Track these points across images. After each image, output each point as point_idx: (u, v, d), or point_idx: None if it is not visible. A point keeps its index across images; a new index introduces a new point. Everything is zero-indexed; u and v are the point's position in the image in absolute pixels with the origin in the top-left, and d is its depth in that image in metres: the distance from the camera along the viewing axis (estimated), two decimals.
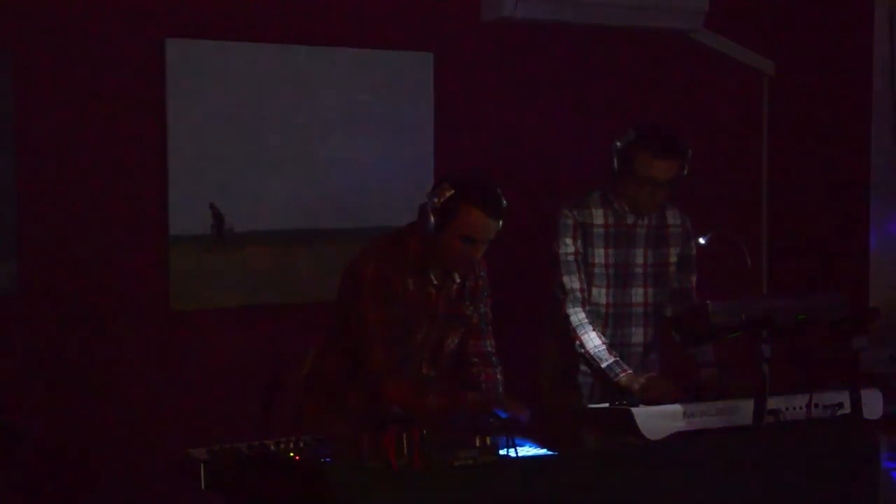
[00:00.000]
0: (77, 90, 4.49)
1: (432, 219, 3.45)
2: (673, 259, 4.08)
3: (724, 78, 5.84)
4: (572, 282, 3.97)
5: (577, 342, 3.91)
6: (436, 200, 3.46)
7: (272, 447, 3.10)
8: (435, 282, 3.57)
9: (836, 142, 5.64)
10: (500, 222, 3.53)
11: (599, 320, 3.99)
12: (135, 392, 4.60)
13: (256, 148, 4.78)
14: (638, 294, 4.04)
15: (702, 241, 3.93)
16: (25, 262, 4.42)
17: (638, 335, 4.07)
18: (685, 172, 3.92)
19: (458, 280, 3.62)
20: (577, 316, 3.93)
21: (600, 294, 4.01)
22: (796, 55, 5.80)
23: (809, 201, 5.75)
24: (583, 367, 4.01)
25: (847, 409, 3.48)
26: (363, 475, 2.85)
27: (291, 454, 3.03)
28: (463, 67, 5.24)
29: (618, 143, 3.92)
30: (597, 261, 3.99)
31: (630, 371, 3.81)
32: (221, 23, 4.72)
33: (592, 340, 3.88)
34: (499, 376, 3.72)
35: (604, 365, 3.83)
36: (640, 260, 4.03)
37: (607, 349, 3.86)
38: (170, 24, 4.62)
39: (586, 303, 3.97)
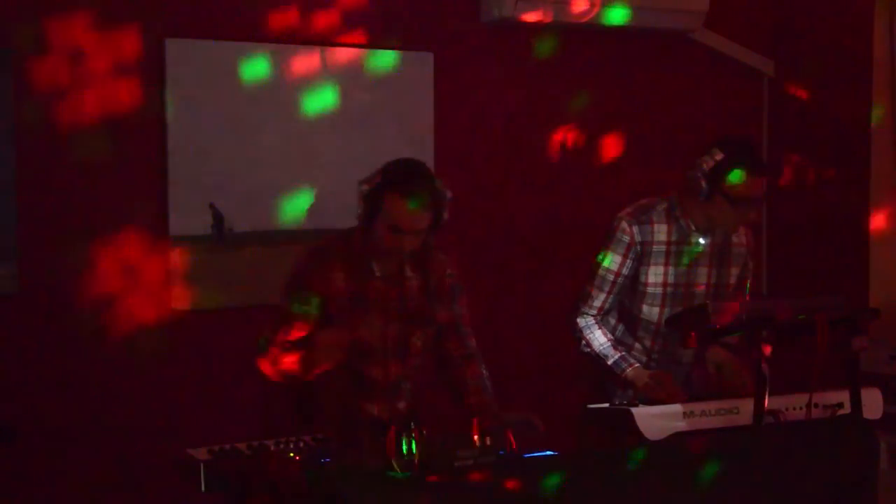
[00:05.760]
0: (77, 90, 4.49)
1: (362, 208, 3.43)
2: (733, 280, 3.92)
3: (724, 78, 5.84)
4: (598, 298, 3.85)
5: (583, 342, 3.85)
6: (365, 188, 3.42)
7: (272, 447, 3.10)
8: (377, 274, 3.52)
9: (836, 142, 5.63)
10: (432, 212, 3.43)
11: (648, 335, 3.89)
12: (135, 392, 4.60)
13: (256, 148, 4.78)
14: None
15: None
16: (25, 262, 4.43)
17: (689, 355, 3.91)
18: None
19: (409, 274, 3.57)
20: (585, 320, 3.86)
21: (652, 313, 3.85)
22: (796, 55, 5.80)
23: (809, 201, 5.74)
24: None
25: (847, 409, 3.48)
26: (363, 475, 2.85)
27: (291, 454, 3.03)
28: (463, 67, 5.24)
29: (705, 163, 3.72)
30: (651, 280, 3.82)
31: (637, 365, 3.78)
32: (221, 23, 4.73)
33: (598, 339, 3.83)
34: (484, 372, 3.65)
35: (610, 361, 3.79)
36: (702, 280, 3.87)
37: (613, 346, 3.81)
38: (170, 24, 4.63)
39: (601, 322, 3.87)
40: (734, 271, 3.93)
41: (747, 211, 3.77)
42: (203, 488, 3.00)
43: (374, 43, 5.02)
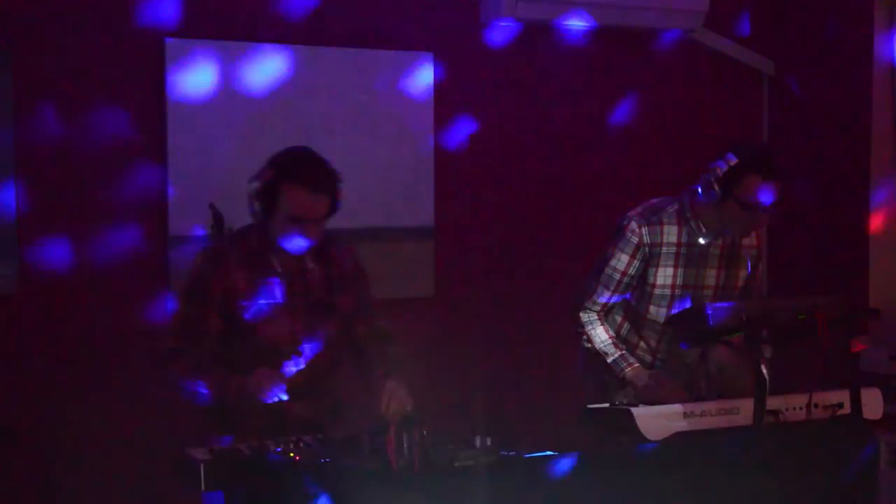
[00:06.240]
0: (77, 89, 4.49)
1: (257, 204, 3.38)
2: (741, 282, 3.93)
3: (724, 78, 5.84)
4: (601, 294, 3.85)
5: (585, 337, 3.85)
6: (257, 184, 3.38)
7: (272, 447, 3.10)
8: (279, 269, 3.46)
9: (836, 142, 5.63)
10: (330, 198, 3.40)
11: (654, 335, 3.90)
12: (135, 392, 4.60)
13: (256, 148, 4.77)
14: None
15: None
16: (25, 262, 4.43)
17: (693, 355, 3.92)
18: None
19: (310, 266, 3.50)
20: (588, 315, 3.86)
21: (659, 313, 3.86)
22: (796, 55, 5.80)
23: (809, 201, 5.74)
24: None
25: (847, 409, 3.48)
26: (363, 475, 2.85)
27: (291, 454, 3.03)
28: (463, 67, 5.24)
29: (718, 168, 3.70)
30: (660, 281, 3.82)
31: (637, 365, 3.78)
32: (221, 23, 4.72)
33: (600, 336, 3.83)
34: (390, 348, 3.60)
35: (610, 360, 3.79)
36: (711, 281, 3.87)
37: (614, 343, 3.81)
38: (170, 24, 4.63)
39: (603, 318, 3.87)
40: (742, 273, 3.93)
41: (759, 216, 3.77)
42: (203, 488, 3.00)
43: (374, 43, 5.02)
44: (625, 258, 3.81)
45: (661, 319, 3.86)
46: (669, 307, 3.85)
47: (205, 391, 3.39)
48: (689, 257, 3.83)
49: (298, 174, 3.36)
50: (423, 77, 5.12)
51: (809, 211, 5.75)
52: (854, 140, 5.52)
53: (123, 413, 4.58)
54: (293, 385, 3.43)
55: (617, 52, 5.56)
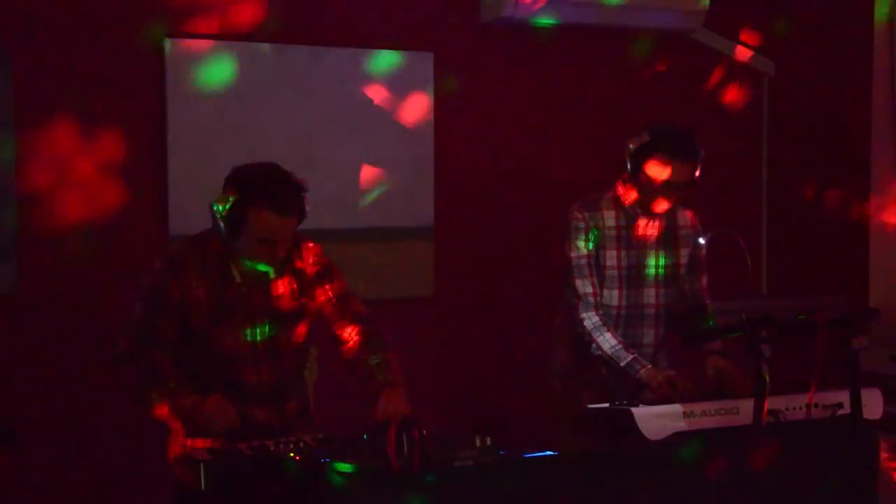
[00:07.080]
0: (77, 90, 4.49)
1: (223, 227, 3.27)
2: (684, 260, 4.08)
3: (724, 78, 5.84)
4: (584, 286, 3.97)
5: (594, 345, 3.93)
6: (222, 208, 3.27)
7: (272, 447, 3.10)
8: (239, 280, 3.38)
9: (836, 141, 5.63)
10: (300, 215, 3.32)
11: (611, 321, 3.98)
12: None
13: (256, 148, 4.78)
14: (650, 295, 4.03)
15: (702, 241, 3.93)
16: (25, 262, 4.43)
17: (649, 336, 4.06)
18: (698, 174, 3.90)
19: (273, 276, 3.41)
20: (591, 320, 3.94)
21: (612, 296, 4.00)
22: (796, 55, 5.80)
23: (809, 201, 5.74)
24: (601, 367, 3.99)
25: (847, 409, 3.48)
26: (363, 475, 2.85)
27: (291, 454, 3.03)
28: (463, 67, 5.24)
29: (631, 145, 3.90)
30: (608, 263, 3.99)
31: (650, 366, 3.82)
32: (221, 23, 4.73)
33: (609, 341, 3.90)
34: (369, 329, 3.50)
35: (623, 363, 3.85)
36: (652, 261, 4.03)
37: (624, 348, 3.88)
38: (170, 24, 4.63)
39: (599, 306, 3.96)
40: (684, 252, 4.08)
41: (667, 194, 3.91)
42: (203, 488, 3.00)
43: (374, 43, 5.02)
44: (581, 244, 3.99)
45: (615, 303, 4.01)
46: (620, 289, 4.00)
47: (156, 403, 3.34)
48: (629, 239, 4.00)
49: (266, 198, 3.25)
50: (424, 77, 5.12)
51: (809, 210, 5.76)
52: (854, 140, 5.52)
53: (123, 413, 4.58)
54: (257, 392, 3.41)
55: (617, 51, 5.56)
